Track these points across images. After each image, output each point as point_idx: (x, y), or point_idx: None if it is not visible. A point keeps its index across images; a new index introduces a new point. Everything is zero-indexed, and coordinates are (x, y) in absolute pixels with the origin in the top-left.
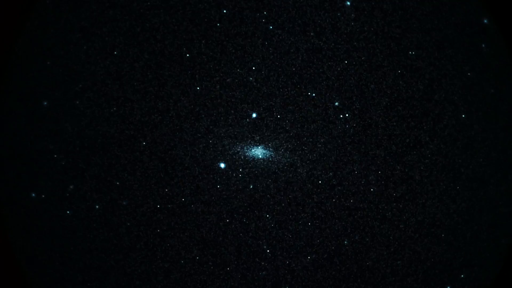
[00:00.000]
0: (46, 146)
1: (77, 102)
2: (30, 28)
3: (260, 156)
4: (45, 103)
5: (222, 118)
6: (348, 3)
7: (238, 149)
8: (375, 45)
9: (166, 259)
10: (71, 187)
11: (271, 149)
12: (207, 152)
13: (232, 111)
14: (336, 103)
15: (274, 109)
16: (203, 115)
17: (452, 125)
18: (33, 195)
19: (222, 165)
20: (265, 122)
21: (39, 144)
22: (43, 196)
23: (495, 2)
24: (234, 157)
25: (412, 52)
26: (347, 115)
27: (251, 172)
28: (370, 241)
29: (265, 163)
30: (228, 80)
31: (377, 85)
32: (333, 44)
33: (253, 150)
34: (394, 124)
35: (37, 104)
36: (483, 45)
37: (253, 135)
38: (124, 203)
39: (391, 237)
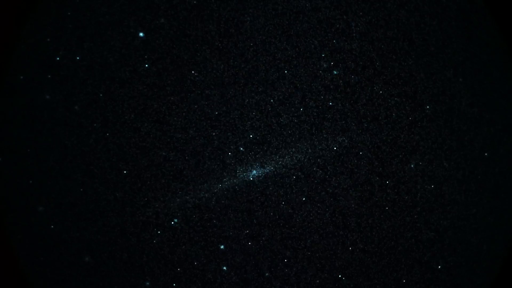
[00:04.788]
0: (48, 148)
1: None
2: (30, 27)
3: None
4: (47, 96)
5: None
6: None
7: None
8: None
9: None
10: (73, 189)
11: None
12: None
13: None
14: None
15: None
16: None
17: (454, 122)
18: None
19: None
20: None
21: (39, 146)
22: (46, 200)
23: (495, 2)
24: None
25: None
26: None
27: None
28: (370, 237)
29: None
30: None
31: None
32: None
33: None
34: (395, 125)
35: (39, 101)
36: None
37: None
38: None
39: (391, 238)
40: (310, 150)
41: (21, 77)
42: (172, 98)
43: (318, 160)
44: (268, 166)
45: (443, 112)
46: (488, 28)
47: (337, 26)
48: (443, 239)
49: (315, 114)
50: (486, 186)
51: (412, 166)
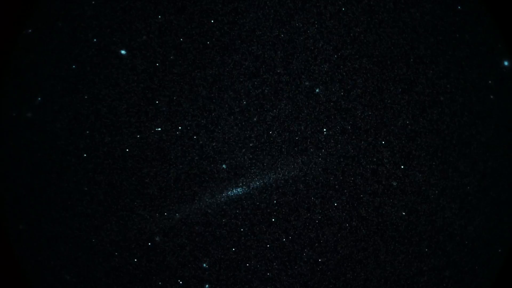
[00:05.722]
0: (48, 147)
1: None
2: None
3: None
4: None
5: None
6: None
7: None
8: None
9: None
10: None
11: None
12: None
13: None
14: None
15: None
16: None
17: (454, 124)
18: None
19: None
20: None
21: (39, 144)
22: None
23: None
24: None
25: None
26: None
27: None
28: (371, 240)
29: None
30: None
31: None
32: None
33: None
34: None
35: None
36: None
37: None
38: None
39: (391, 238)
40: (295, 168)
41: (21, 78)
42: (157, 116)
43: (304, 177)
44: (252, 184)
45: (440, 116)
46: (488, 28)
47: (320, 44)
48: (443, 239)
49: (300, 131)
50: (486, 186)
51: (408, 170)
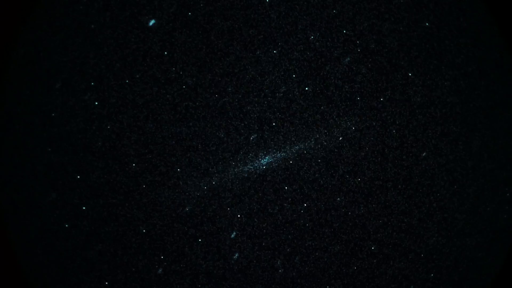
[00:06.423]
0: (48, 148)
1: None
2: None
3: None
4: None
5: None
6: None
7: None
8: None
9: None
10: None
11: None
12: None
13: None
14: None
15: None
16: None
17: (455, 123)
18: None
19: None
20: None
21: (40, 145)
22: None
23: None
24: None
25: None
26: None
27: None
28: (372, 240)
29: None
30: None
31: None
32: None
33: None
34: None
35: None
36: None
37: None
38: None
39: (391, 237)
40: (321, 138)
41: (31, 64)
42: (179, 87)
43: (331, 147)
44: (280, 153)
45: (446, 107)
46: (488, 28)
47: (346, 16)
48: (443, 239)
49: (325, 101)
50: (486, 185)
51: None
